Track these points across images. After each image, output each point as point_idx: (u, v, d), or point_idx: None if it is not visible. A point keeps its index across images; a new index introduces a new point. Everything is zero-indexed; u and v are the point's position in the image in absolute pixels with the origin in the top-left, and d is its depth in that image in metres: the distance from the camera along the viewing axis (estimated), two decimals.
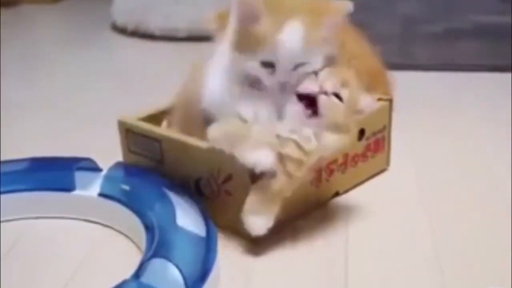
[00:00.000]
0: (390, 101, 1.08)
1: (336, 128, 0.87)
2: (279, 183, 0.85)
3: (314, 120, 0.86)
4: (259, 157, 0.84)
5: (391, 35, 2.02)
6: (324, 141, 0.87)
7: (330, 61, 0.90)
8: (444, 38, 1.96)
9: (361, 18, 2.31)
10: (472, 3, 2.34)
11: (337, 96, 0.87)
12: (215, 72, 0.93)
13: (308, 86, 0.87)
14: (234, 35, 0.89)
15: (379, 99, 1.07)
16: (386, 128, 1.09)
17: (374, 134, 1.07)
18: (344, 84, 0.88)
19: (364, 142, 1.05)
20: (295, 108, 0.87)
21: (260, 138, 0.85)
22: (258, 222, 0.84)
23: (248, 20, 0.86)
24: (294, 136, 0.85)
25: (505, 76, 1.61)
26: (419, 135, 1.28)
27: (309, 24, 0.85)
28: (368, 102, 0.92)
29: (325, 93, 0.86)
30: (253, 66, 0.88)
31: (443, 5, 2.36)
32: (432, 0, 2.44)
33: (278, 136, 0.86)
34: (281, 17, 0.85)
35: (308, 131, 0.86)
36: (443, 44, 1.90)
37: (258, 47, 0.86)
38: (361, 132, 1.03)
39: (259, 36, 0.86)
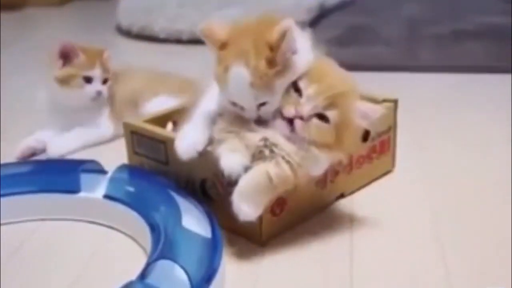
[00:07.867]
0: (395, 102, 1.08)
1: (322, 146, 0.85)
2: (276, 171, 0.84)
3: (296, 136, 0.85)
4: (229, 161, 0.84)
5: (396, 37, 2.02)
6: (310, 158, 0.86)
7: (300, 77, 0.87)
8: (449, 39, 1.96)
9: (367, 21, 2.32)
10: (478, 4, 2.35)
11: (322, 116, 0.85)
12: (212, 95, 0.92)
13: (284, 111, 0.86)
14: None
15: (384, 101, 1.07)
16: (391, 129, 1.09)
17: (379, 135, 1.07)
18: (332, 104, 0.85)
19: (369, 143, 1.05)
20: (279, 123, 0.86)
21: (239, 142, 0.86)
22: (247, 208, 0.83)
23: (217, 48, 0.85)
24: (279, 151, 0.84)
25: (511, 77, 1.60)
26: (424, 136, 1.28)
27: (256, 66, 0.82)
28: (371, 109, 0.88)
29: (301, 117, 0.85)
30: (228, 104, 0.87)
31: (448, 7, 2.37)
32: (436, 2, 2.45)
33: (265, 139, 0.85)
34: (232, 57, 0.83)
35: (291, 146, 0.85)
36: (448, 46, 1.90)
37: (221, 87, 0.87)
38: (366, 133, 1.03)
39: (219, 76, 0.85)
